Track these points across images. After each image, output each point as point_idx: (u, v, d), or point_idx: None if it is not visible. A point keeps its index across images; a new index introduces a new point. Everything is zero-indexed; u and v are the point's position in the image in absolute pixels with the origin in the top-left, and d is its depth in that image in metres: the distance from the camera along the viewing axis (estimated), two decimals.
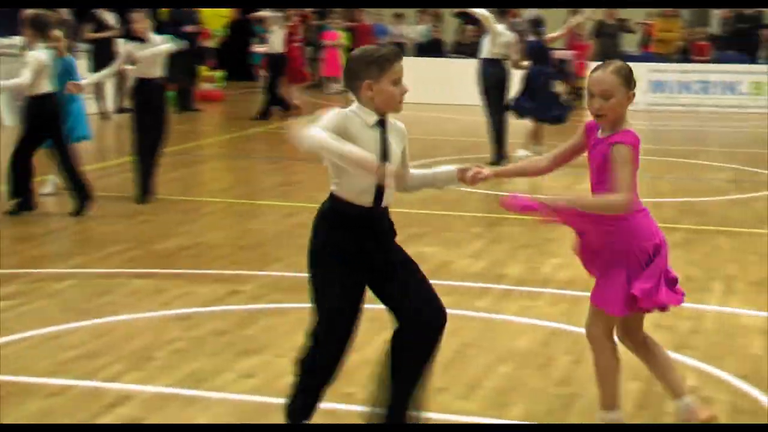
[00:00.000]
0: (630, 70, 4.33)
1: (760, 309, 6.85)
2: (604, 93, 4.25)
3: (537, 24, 14.36)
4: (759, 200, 10.94)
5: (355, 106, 4.12)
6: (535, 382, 5.44)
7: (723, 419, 4.93)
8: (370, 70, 4.05)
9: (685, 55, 22.69)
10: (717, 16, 24.92)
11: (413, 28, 25.25)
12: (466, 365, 5.66)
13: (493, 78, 13.26)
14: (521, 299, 7.01)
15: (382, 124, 4.13)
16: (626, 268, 4.35)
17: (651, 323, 6.46)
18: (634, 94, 4.31)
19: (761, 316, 6.68)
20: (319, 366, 4.28)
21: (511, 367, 5.65)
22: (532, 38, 14.07)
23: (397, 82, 4.09)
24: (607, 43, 21.30)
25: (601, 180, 4.32)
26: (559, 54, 16.23)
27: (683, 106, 21.17)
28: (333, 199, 4.16)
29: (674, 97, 21.39)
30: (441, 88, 21.43)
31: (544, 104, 13.58)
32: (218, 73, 23.04)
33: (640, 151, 4.30)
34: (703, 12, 25.28)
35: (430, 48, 24.19)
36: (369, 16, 25.04)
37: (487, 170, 4.40)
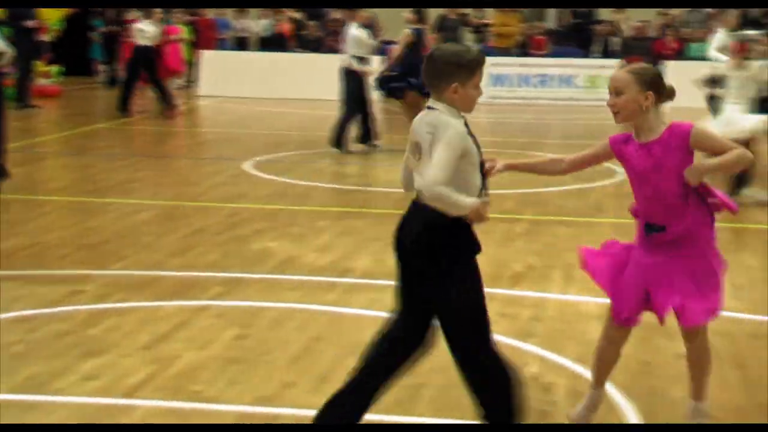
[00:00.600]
0: (651, 73, 4.39)
1: (597, 296, 7.06)
2: (616, 89, 4.36)
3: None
4: (595, 190, 11.30)
5: (442, 107, 4.05)
6: None
7: (563, 402, 5.09)
8: (460, 73, 4.02)
9: (523, 49, 23.25)
10: (553, 11, 25.63)
11: (256, 22, 25.11)
12: (315, 359, 5.67)
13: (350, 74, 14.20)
14: (369, 292, 7.06)
15: (466, 124, 4.11)
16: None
17: (494, 312, 6.62)
18: (653, 96, 4.33)
19: (598, 303, 6.89)
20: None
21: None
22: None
23: (478, 86, 4.10)
24: (448, 37, 21.62)
25: (681, 179, 4.33)
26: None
27: (522, 99, 21.69)
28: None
29: (514, 90, 21.90)
30: (284, 83, 21.40)
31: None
32: (54, 68, 22.41)
33: None
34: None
35: (273, 42, 24.10)
36: (211, 11, 24.81)
37: (501, 163, 4.36)
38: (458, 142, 3.95)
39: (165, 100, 18.32)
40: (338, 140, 14.09)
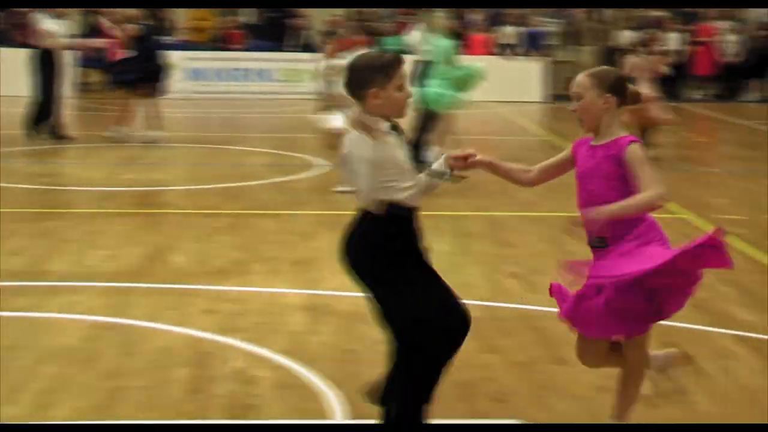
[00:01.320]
0: (612, 76, 4.35)
1: (300, 287, 7.15)
2: (576, 94, 4.32)
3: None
4: (297, 182, 11.42)
5: (362, 117, 4.04)
6: (83, 378, 5.29)
7: (269, 395, 5.10)
8: (375, 78, 4.01)
9: (219, 43, 23.13)
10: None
11: None
12: (8, 368, 5.38)
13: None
14: (66, 294, 6.79)
15: (396, 128, 4.08)
16: None
17: (197, 309, 6.55)
18: (613, 99, 4.28)
19: (302, 294, 6.98)
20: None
21: (57, 365, 5.45)
22: None
23: (401, 87, 4.06)
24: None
25: (612, 187, 4.25)
26: (95, 43, 15.87)
27: (221, 94, 21.59)
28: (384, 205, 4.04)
29: (211, 84, 21.76)
30: None
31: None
32: None
33: None
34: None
35: None
36: None
37: (481, 156, 4.30)
38: (376, 159, 4.00)
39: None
40: (37, 122, 13.82)
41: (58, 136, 14.10)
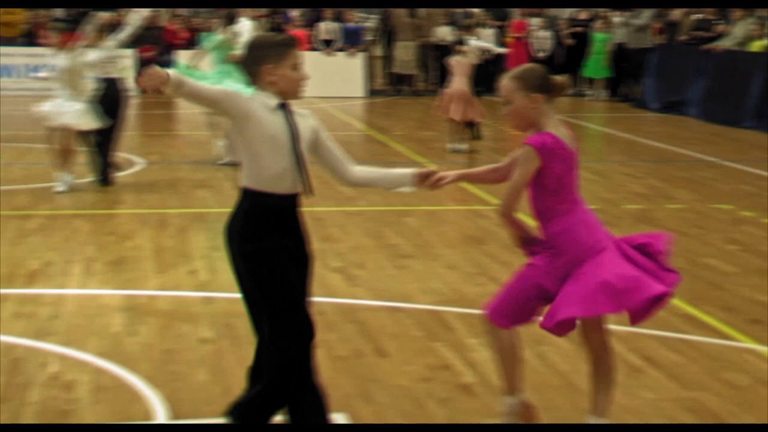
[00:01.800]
0: (535, 74, 4.36)
1: (117, 287, 6.98)
2: (504, 99, 4.36)
3: None
4: (128, 181, 11.13)
5: (254, 91, 4.20)
6: None
7: (86, 399, 4.96)
8: (270, 56, 4.16)
9: (30, 38, 22.37)
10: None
11: None
12: None
13: None
14: None
15: (283, 107, 4.19)
16: None
17: (9, 313, 6.31)
18: (540, 96, 4.29)
19: (118, 294, 6.81)
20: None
21: None
22: None
23: (296, 66, 4.21)
24: None
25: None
26: None
27: (32, 90, 20.84)
28: (249, 193, 4.15)
29: (21, 81, 20.98)
30: None
31: None
32: None
33: (557, 151, 4.25)
34: None
35: None
36: None
37: (452, 174, 4.39)
38: (237, 104, 4.11)
39: None
40: None
41: None
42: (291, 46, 4.23)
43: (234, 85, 10.85)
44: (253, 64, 4.20)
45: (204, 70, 12.41)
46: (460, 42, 14.30)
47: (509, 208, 4.34)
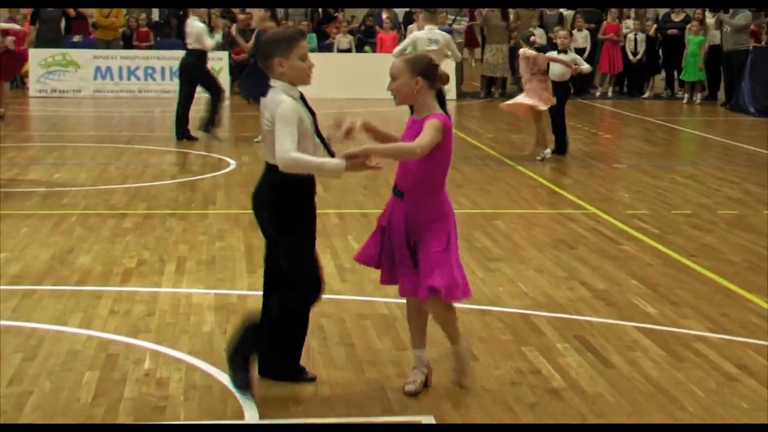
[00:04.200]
0: (423, 62, 4.97)
1: (208, 287, 7.08)
2: (392, 75, 4.96)
3: None
4: (205, 182, 11.29)
5: (277, 84, 4.71)
6: None
7: (180, 396, 5.04)
8: (279, 48, 4.68)
9: (127, 41, 22.78)
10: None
11: None
12: None
13: None
14: None
15: (302, 96, 4.77)
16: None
17: (105, 310, 6.44)
18: (422, 81, 4.88)
19: (210, 294, 6.91)
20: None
21: None
22: None
23: (303, 57, 4.71)
24: (46, 29, 21.02)
25: None
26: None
27: (128, 92, 21.24)
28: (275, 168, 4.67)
29: (118, 83, 21.38)
30: None
31: None
32: None
33: (451, 132, 4.93)
34: None
35: None
36: None
37: (359, 121, 4.90)
38: (291, 113, 4.61)
39: None
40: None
41: None
42: (298, 38, 4.75)
43: None
44: (266, 57, 4.74)
45: None
46: (540, 49, 13.69)
47: (425, 151, 4.79)
